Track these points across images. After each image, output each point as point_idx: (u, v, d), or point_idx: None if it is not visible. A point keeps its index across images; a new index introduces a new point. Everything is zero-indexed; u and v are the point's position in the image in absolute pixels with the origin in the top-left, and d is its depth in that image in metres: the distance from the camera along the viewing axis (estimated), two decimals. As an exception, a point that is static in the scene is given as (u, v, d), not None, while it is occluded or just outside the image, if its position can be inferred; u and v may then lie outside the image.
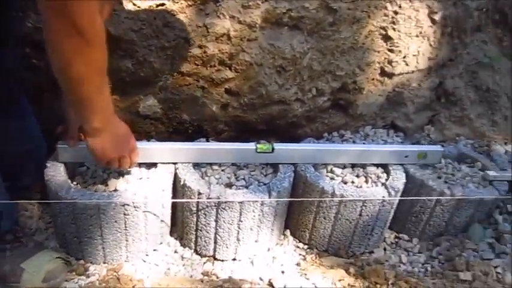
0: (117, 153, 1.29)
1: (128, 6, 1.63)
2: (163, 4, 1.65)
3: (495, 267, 1.49)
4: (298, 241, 1.64)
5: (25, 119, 1.53)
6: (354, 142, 1.88)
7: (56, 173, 1.40)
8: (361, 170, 1.63)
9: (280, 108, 1.84)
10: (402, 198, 1.54)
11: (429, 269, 1.53)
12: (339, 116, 1.93)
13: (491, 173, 1.69)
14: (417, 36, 1.83)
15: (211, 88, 1.77)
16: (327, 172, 1.61)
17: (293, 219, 1.63)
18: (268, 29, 1.72)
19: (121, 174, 1.45)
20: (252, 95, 1.79)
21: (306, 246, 1.62)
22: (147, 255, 1.51)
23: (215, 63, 1.72)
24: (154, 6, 1.65)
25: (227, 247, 1.49)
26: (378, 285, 1.32)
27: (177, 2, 1.65)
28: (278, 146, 1.53)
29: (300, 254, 1.58)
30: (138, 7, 1.64)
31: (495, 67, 2.04)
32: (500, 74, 2.04)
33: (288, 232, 1.65)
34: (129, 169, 1.43)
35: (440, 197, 1.55)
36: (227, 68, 1.74)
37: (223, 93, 1.79)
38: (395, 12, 1.77)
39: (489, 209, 1.65)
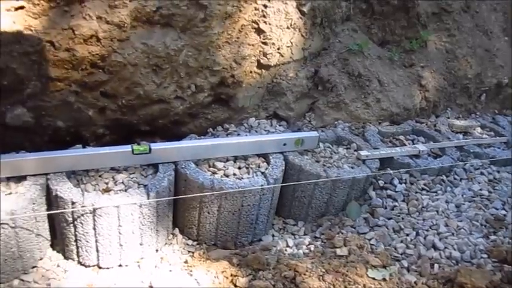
0: None
1: (-18, 11, 1.51)
2: (22, 7, 1.56)
3: (369, 240, 1.61)
4: (187, 238, 1.64)
5: None
6: (238, 135, 1.92)
7: None
8: (243, 161, 1.68)
9: (160, 107, 1.82)
10: (277, 185, 1.61)
11: (312, 249, 1.61)
12: (221, 111, 1.96)
13: (363, 152, 1.82)
14: (288, 28, 1.91)
15: (86, 92, 1.71)
16: (209, 167, 1.63)
17: (180, 217, 1.63)
18: (139, 28, 1.69)
19: None
20: (129, 96, 1.75)
21: (195, 243, 1.63)
22: (25, 273, 1.43)
23: (86, 66, 1.66)
24: (13, 9, 1.55)
25: (110, 254, 1.45)
26: (260, 272, 1.37)
27: (38, 4, 1.56)
28: (155, 146, 1.52)
29: (189, 251, 1.59)
30: (-5, 11, 1.54)
31: (365, 53, 2.18)
32: (370, 60, 2.18)
33: (176, 231, 1.65)
34: None
35: (315, 180, 1.64)
36: (100, 70, 1.69)
37: (99, 97, 1.74)
38: (265, 6, 1.83)
39: (363, 186, 1.77)
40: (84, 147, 1.62)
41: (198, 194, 1.48)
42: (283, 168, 1.64)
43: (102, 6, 1.61)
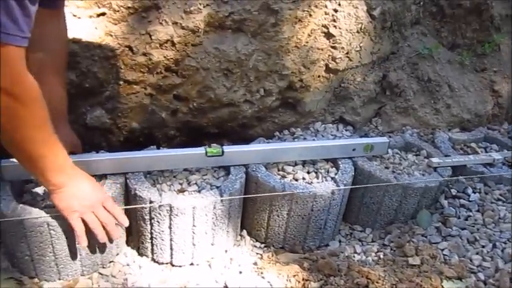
0: (85, 207, 1.23)
1: (68, 17, 1.60)
2: (104, 13, 1.64)
3: (442, 250, 1.56)
4: (255, 240, 1.66)
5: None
6: (304, 139, 1.92)
7: (1, 192, 1.37)
8: (312, 166, 1.68)
9: (229, 110, 1.86)
10: (348, 187, 1.59)
11: (381, 256, 1.58)
12: (288, 114, 1.97)
13: (434, 159, 1.77)
14: (358, 32, 1.89)
15: (160, 95, 1.77)
16: (278, 171, 1.64)
17: (248, 220, 1.65)
18: (212, 33, 1.73)
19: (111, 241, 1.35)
20: (200, 100, 1.80)
21: (262, 245, 1.64)
22: (103, 267, 1.50)
23: (161, 69, 1.72)
24: (95, 15, 1.64)
25: (183, 253, 1.49)
26: (332, 277, 1.36)
27: (118, 11, 1.64)
28: (228, 149, 1.55)
29: (257, 253, 1.61)
30: (78, 18, 1.63)
31: (435, 57, 2.12)
32: (440, 64, 2.12)
33: (244, 232, 1.67)
34: (123, 225, 1.35)
35: (384, 184, 1.61)
36: (174, 74, 1.75)
37: (172, 100, 1.80)
38: (335, 10, 1.82)
39: (435, 194, 1.72)
40: (158, 148, 1.67)
41: (270, 194, 1.49)
42: (353, 173, 1.63)
43: (178, 12, 1.67)
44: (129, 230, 1.56)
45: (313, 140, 1.88)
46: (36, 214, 1.30)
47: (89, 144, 1.76)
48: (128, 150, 1.80)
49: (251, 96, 1.85)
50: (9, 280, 1.36)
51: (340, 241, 1.72)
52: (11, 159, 1.44)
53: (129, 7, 1.64)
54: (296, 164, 1.67)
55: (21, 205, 1.34)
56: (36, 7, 0.97)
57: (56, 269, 1.41)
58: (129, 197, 1.48)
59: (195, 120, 1.85)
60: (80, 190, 1.23)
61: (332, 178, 1.60)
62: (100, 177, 1.49)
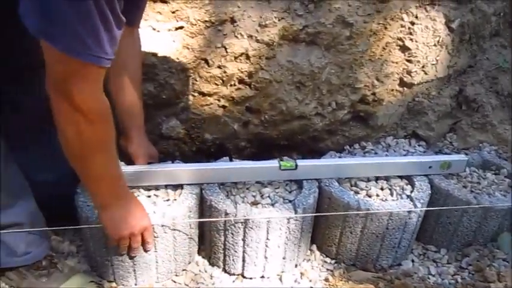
0: (128, 230, 1.26)
1: (147, 30, 1.67)
2: (181, 27, 1.69)
3: (527, 276, 1.47)
4: (325, 256, 1.64)
5: (53, 146, 1.57)
6: (375, 153, 1.88)
7: (86, 198, 1.43)
8: (385, 182, 1.63)
9: (300, 123, 1.85)
10: (429, 208, 1.54)
11: (459, 280, 1.51)
12: (359, 128, 1.94)
13: (517, 179, 1.68)
14: (435, 45, 1.83)
15: (232, 107, 1.80)
16: (351, 186, 1.62)
17: (319, 235, 1.63)
18: (285, 46, 1.74)
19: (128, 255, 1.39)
20: (272, 112, 1.81)
21: (333, 261, 1.62)
22: (176, 275, 1.53)
23: (235, 82, 1.75)
24: (173, 29, 1.69)
25: (255, 265, 1.50)
26: (409, 300, 1.32)
27: (195, 24, 1.68)
28: (301, 163, 1.54)
29: (327, 269, 1.58)
30: (158, 31, 1.68)
31: (516, 71, 2.02)
32: (521, 78, 2.02)
33: (314, 247, 1.66)
34: (146, 251, 1.38)
35: (466, 206, 1.54)
36: (247, 87, 1.77)
37: (244, 111, 1.82)
38: (412, 23, 1.78)
39: (517, 216, 1.63)
40: (230, 159, 1.70)
41: (345, 213, 1.47)
42: (430, 192, 1.57)
43: (253, 26, 1.69)
44: (201, 239, 1.59)
45: (386, 155, 1.84)
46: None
47: (163, 154, 1.82)
48: (199, 160, 1.86)
49: (322, 109, 1.84)
50: (91, 284, 1.42)
51: (413, 261, 1.66)
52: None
53: (206, 20, 1.68)
54: (369, 180, 1.64)
55: (104, 211, 1.40)
56: (122, 31, 1.00)
57: (134, 275, 1.46)
58: (203, 207, 1.50)
59: (266, 132, 1.86)
60: (129, 214, 1.25)
61: (408, 196, 1.55)
62: (175, 187, 1.53)
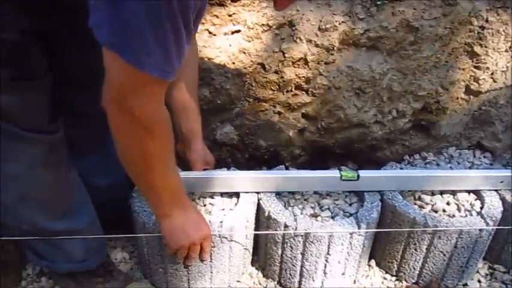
0: (187, 240, 1.24)
1: (204, 35, 1.64)
2: (238, 31, 1.65)
3: None
4: (384, 272, 1.56)
5: (110, 152, 1.56)
6: (437, 164, 1.78)
7: (142, 203, 1.41)
8: (451, 196, 1.54)
9: (359, 131, 1.78)
10: (503, 227, 1.43)
11: (533, 305, 1.40)
12: (420, 138, 1.84)
13: None
14: (506, 51, 1.71)
15: (288, 113, 1.74)
16: (415, 200, 1.53)
17: (379, 250, 1.55)
18: (345, 51, 1.67)
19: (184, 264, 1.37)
20: (329, 119, 1.74)
21: (393, 278, 1.54)
22: (230, 286, 1.49)
23: (292, 88, 1.69)
24: (230, 33, 1.65)
25: (313, 280, 1.44)
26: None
27: (252, 28, 1.64)
28: (363, 173, 1.47)
29: (388, 287, 1.50)
30: (214, 35, 1.65)
31: None
32: None
33: (373, 262, 1.58)
34: (202, 261, 1.35)
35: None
36: (304, 93, 1.71)
37: (300, 118, 1.76)
38: (482, 27, 1.67)
39: None
40: (286, 168, 1.64)
41: (413, 229, 1.39)
42: (502, 208, 1.46)
43: (312, 30, 1.62)
44: (255, 251, 1.54)
45: (450, 167, 1.73)
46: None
47: (216, 160, 1.78)
48: (252, 167, 1.81)
49: (382, 117, 1.76)
50: (145, 291, 1.40)
51: (479, 281, 1.56)
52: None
53: (263, 24, 1.63)
54: (433, 194, 1.55)
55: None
56: (189, 45, 0.96)
57: (187, 284, 1.43)
58: (260, 217, 1.46)
59: (322, 140, 1.79)
60: (189, 224, 1.23)
61: (478, 213, 1.45)
62: (230, 195, 1.49)
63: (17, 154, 1.09)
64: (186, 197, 1.24)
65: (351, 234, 1.34)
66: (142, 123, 0.97)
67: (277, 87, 1.69)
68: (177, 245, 1.24)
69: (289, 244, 1.38)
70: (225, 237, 1.34)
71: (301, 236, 1.34)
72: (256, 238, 1.51)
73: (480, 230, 1.38)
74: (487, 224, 1.40)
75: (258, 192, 1.46)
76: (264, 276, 1.54)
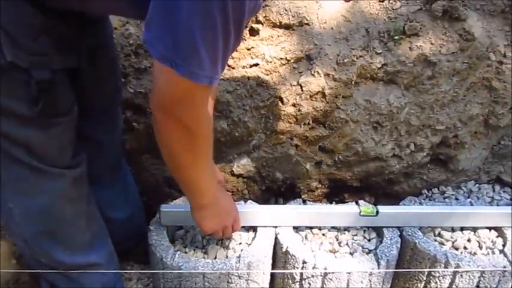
0: (221, 225, 1.31)
1: (223, 68, 1.65)
2: (257, 64, 1.67)
3: None
4: (403, 310, 1.52)
5: (126, 183, 1.57)
6: (456, 199, 1.75)
7: (160, 237, 1.41)
8: (472, 233, 1.51)
9: (376, 165, 1.77)
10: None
11: None
12: (438, 172, 1.82)
13: None
14: (525, 86, 1.71)
15: (305, 146, 1.74)
16: (435, 236, 1.50)
17: (398, 286, 1.52)
18: (363, 85, 1.68)
19: (220, 240, 1.45)
20: (347, 152, 1.74)
21: (413, 317, 1.50)
22: (246, 322, 1.46)
23: (309, 121, 1.70)
24: (248, 66, 1.67)
25: (332, 318, 1.41)
26: None
27: (271, 62, 1.66)
28: (383, 209, 1.46)
29: (408, 326, 1.47)
30: (233, 68, 1.67)
31: None
32: None
33: (392, 299, 1.55)
34: (230, 237, 1.45)
35: None
36: (321, 126, 1.71)
37: (317, 151, 1.75)
38: (500, 62, 1.67)
39: None
40: (304, 202, 1.63)
41: (435, 269, 1.36)
42: (525, 247, 1.44)
43: (330, 64, 1.64)
44: (272, 285, 1.52)
45: (470, 202, 1.70)
46: (194, 265, 1.31)
47: (231, 192, 1.78)
48: (268, 199, 1.80)
49: (400, 151, 1.75)
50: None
51: (502, 321, 1.51)
52: (171, 205, 1.50)
53: (281, 58, 1.65)
54: (454, 230, 1.52)
55: (177, 253, 1.36)
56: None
57: (203, 319, 1.41)
58: (277, 251, 1.44)
59: (339, 173, 1.78)
60: (221, 211, 1.31)
61: (501, 251, 1.42)
62: (247, 229, 1.48)
63: (40, 189, 1.10)
64: (219, 188, 1.33)
65: (371, 271, 1.32)
66: (189, 127, 1.02)
67: (294, 120, 1.70)
68: (212, 230, 1.31)
69: (307, 281, 1.36)
70: (242, 276, 1.33)
71: (320, 273, 1.32)
72: (273, 273, 1.49)
73: (504, 269, 1.35)
74: (511, 263, 1.37)
75: (275, 227, 1.45)
76: (280, 312, 1.51)
